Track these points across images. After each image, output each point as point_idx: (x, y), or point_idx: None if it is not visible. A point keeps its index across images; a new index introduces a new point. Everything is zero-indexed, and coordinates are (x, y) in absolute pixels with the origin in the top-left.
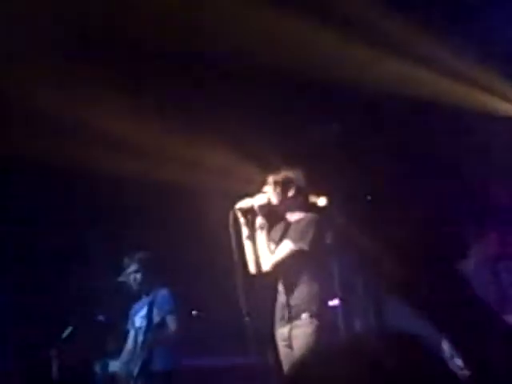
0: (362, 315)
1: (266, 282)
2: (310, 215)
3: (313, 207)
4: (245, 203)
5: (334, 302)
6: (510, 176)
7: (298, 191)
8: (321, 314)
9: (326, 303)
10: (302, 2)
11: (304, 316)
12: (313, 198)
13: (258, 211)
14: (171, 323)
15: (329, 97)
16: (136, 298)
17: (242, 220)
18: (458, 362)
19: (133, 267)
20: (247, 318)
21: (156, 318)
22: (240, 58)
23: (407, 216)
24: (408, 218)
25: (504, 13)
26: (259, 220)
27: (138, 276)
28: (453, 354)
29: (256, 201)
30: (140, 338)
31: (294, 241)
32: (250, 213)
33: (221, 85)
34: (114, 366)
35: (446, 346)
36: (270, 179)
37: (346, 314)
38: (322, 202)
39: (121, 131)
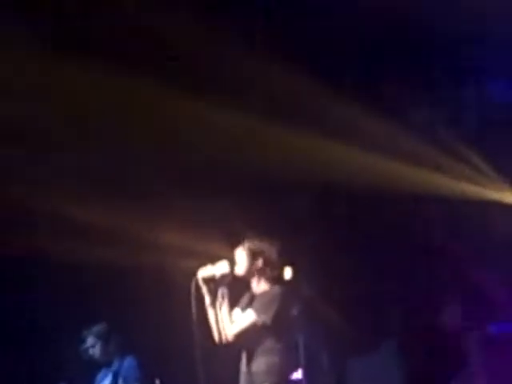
0: None
1: (229, 351)
2: (275, 288)
3: (279, 279)
4: (207, 271)
5: (297, 375)
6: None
7: (267, 263)
8: None
9: (287, 376)
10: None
11: None
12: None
13: (219, 280)
14: None
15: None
16: (99, 366)
17: (204, 288)
18: None
19: (90, 341)
20: None
21: None
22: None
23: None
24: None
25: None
26: (221, 289)
27: (96, 349)
28: None
29: (218, 269)
30: None
31: (257, 312)
32: (211, 281)
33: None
34: None
35: None
36: (239, 249)
37: None
38: (287, 274)
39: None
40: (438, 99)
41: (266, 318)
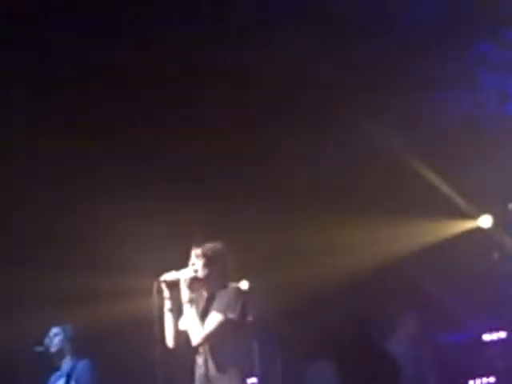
0: None
1: (183, 355)
2: (234, 287)
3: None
4: (170, 275)
5: (253, 381)
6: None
7: (225, 265)
8: None
9: (245, 380)
10: None
11: None
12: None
13: (183, 284)
14: None
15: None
16: (55, 367)
17: (165, 292)
18: None
19: (57, 338)
20: None
21: None
22: None
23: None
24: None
25: None
26: (186, 293)
27: (61, 347)
28: None
29: (182, 274)
30: None
31: (222, 311)
32: (174, 285)
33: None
34: None
35: None
36: (197, 252)
37: None
38: (244, 285)
39: None
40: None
41: (231, 314)
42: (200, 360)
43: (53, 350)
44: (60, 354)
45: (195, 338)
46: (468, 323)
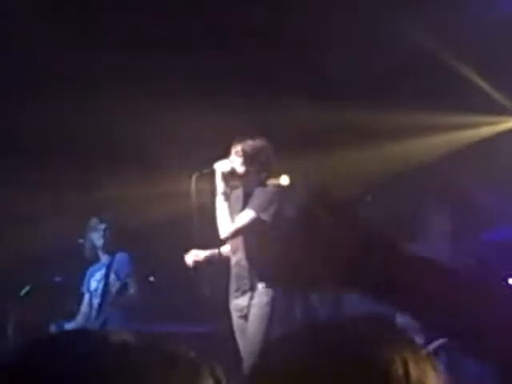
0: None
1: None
2: (272, 188)
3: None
4: (208, 169)
5: None
6: None
7: (265, 163)
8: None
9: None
10: None
11: (260, 286)
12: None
13: (219, 176)
14: (130, 287)
15: None
16: (93, 260)
17: (207, 183)
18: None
19: (98, 230)
20: (205, 287)
21: (113, 282)
22: None
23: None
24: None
25: None
26: (221, 186)
27: (103, 237)
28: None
29: (219, 167)
30: (96, 301)
31: (256, 210)
32: (212, 178)
33: None
34: (70, 328)
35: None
36: (238, 147)
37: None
38: (284, 180)
39: None
40: None
41: (265, 215)
42: (236, 257)
43: (93, 241)
44: (100, 245)
45: (224, 232)
46: (504, 222)
